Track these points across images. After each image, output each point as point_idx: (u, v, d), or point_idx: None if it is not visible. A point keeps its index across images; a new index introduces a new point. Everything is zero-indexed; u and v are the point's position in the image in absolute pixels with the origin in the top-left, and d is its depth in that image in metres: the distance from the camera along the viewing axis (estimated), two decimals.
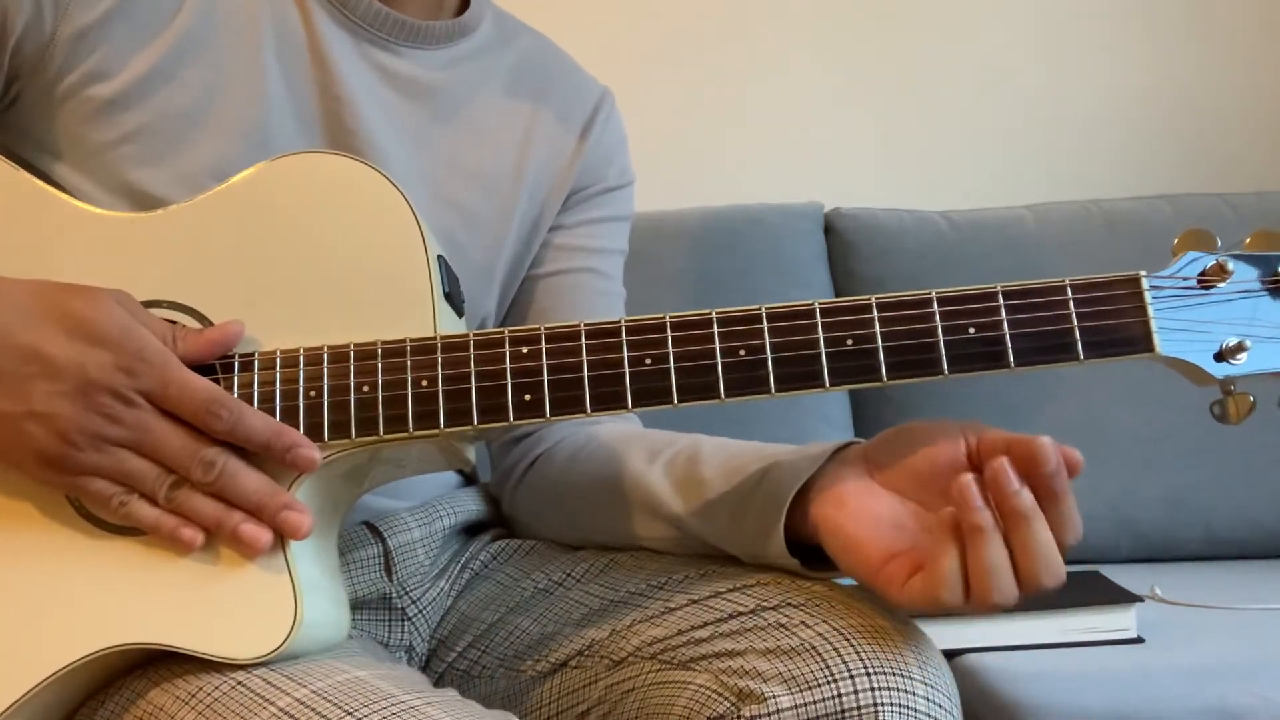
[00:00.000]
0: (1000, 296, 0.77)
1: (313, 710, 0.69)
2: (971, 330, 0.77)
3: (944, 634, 1.21)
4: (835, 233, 1.79)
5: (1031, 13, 1.98)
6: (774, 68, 1.96)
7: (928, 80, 1.97)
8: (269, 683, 0.72)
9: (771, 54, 1.96)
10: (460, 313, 0.86)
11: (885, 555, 0.76)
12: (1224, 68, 1.99)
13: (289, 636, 0.74)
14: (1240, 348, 0.77)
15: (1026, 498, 0.73)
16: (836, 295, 1.74)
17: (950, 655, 1.16)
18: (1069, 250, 1.71)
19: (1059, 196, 1.82)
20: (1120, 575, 1.33)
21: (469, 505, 1.07)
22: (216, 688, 0.73)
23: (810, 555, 0.83)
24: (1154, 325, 0.77)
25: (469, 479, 1.14)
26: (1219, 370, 0.78)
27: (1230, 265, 0.78)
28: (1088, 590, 1.28)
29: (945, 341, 0.77)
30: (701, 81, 1.95)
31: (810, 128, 1.97)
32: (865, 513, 0.78)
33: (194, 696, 0.73)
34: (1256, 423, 0.82)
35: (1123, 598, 1.24)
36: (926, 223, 1.76)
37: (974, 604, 0.73)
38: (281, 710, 0.70)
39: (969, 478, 0.73)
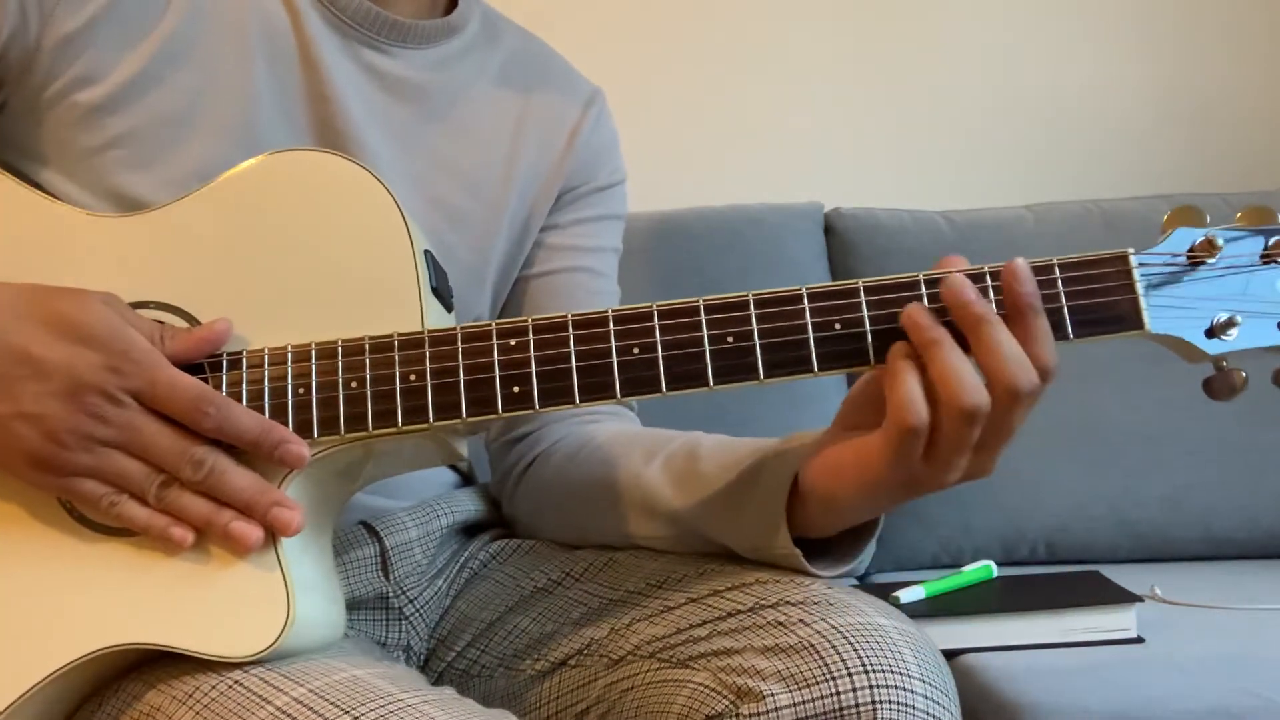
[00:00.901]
0: (988, 278, 0.77)
1: (310, 709, 0.69)
2: None
3: (944, 634, 1.21)
4: (835, 233, 1.79)
5: (1032, 13, 1.98)
6: (774, 68, 1.96)
7: (928, 80, 1.97)
8: (266, 682, 0.72)
9: (771, 54, 1.96)
10: (449, 307, 0.86)
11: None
12: (1224, 68, 1.99)
13: (281, 634, 0.73)
14: (1231, 323, 0.77)
15: (985, 305, 0.74)
16: None
17: (950, 655, 1.16)
18: (1069, 250, 1.69)
19: (1059, 196, 1.82)
20: (1120, 575, 1.33)
21: (466, 505, 1.07)
22: (214, 687, 0.73)
23: (812, 553, 0.84)
24: (1143, 303, 0.77)
25: (466, 479, 1.14)
26: (1210, 346, 0.78)
27: (1220, 240, 0.77)
28: (1088, 590, 1.28)
29: None
30: (701, 82, 1.95)
31: (810, 128, 1.96)
32: (841, 444, 0.80)
33: (191, 696, 0.73)
34: (1256, 423, 0.82)
35: (1123, 598, 1.24)
36: (926, 223, 1.76)
37: (945, 413, 0.73)
38: (279, 709, 0.70)
39: (916, 304, 0.75)
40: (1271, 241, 0.77)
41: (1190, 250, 0.78)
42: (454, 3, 1.05)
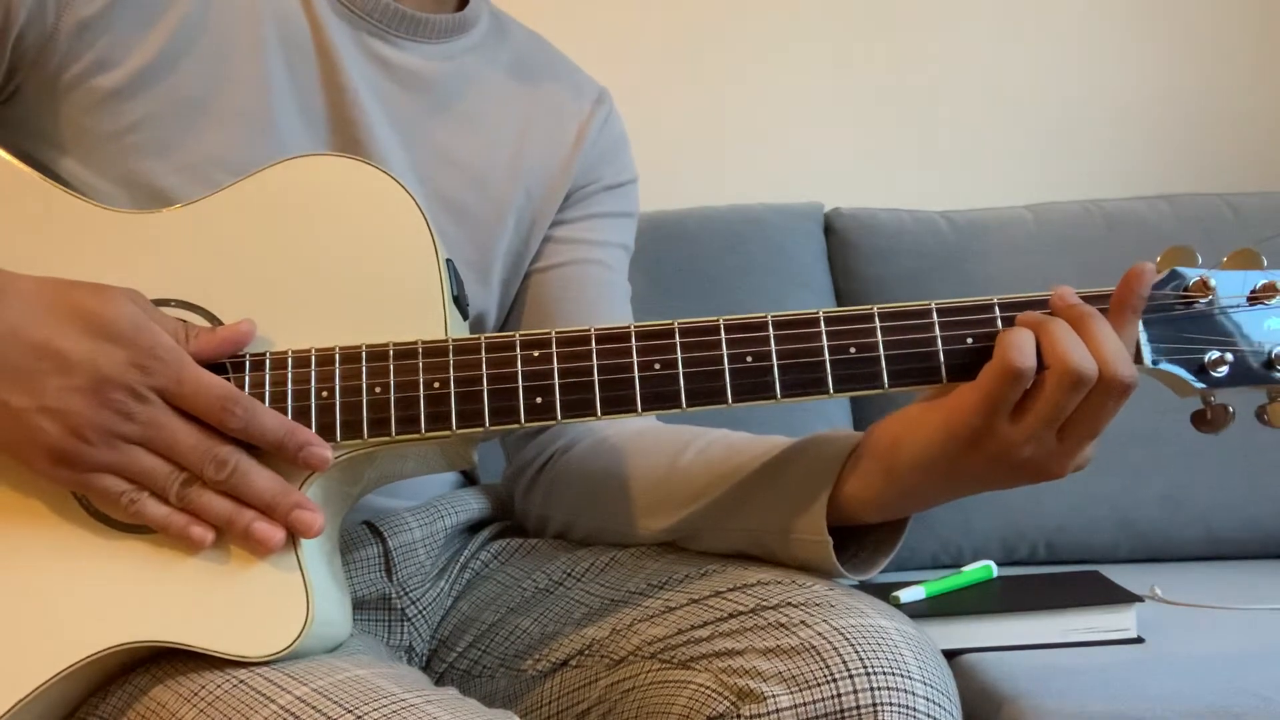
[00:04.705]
0: (997, 309, 0.80)
1: (313, 708, 0.70)
2: (969, 340, 0.79)
3: (944, 634, 1.21)
4: (835, 233, 1.79)
5: (1032, 14, 1.98)
6: (774, 68, 1.96)
7: (928, 80, 1.97)
8: (270, 681, 0.72)
9: (772, 54, 1.96)
10: (466, 316, 0.87)
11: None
12: (1225, 68, 1.99)
13: (300, 635, 0.74)
14: (1221, 361, 0.80)
15: (1088, 306, 0.78)
16: (837, 295, 1.74)
17: (950, 655, 1.16)
18: (1069, 250, 1.71)
19: (1059, 196, 1.82)
20: (1120, 575, 1.33)
21: (470, 504, 1.07)
22: (219, 685, 0.73)
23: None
24: (1141, 338, 0.81)
25: (469, 478, 1.14)
26: (1200, 382, 0.81)
27: (1212, 282, 0.81)
28: (1088, 590, 1.28)
29: (944, 350, 0.79)
30: (701, 81, 1.95)
31: (810, 128, 1.96)
32: (928, 401, 0.82)
33: (196, 694, 0.73)
34: (1256, 424, 0.83)
35: (1123, 598, 1.24)
36: (926, 223, 1.76)
37: (1051, 374, 0.75)
38: (283, 708, 0.70)
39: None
40: (1259, 284, 0.81)
41: (1185, 290, 0.81)
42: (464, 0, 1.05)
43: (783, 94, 1.96)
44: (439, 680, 0.98)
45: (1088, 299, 0.80)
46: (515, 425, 0.79)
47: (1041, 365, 0.76)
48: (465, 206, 1.02)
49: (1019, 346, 0.76)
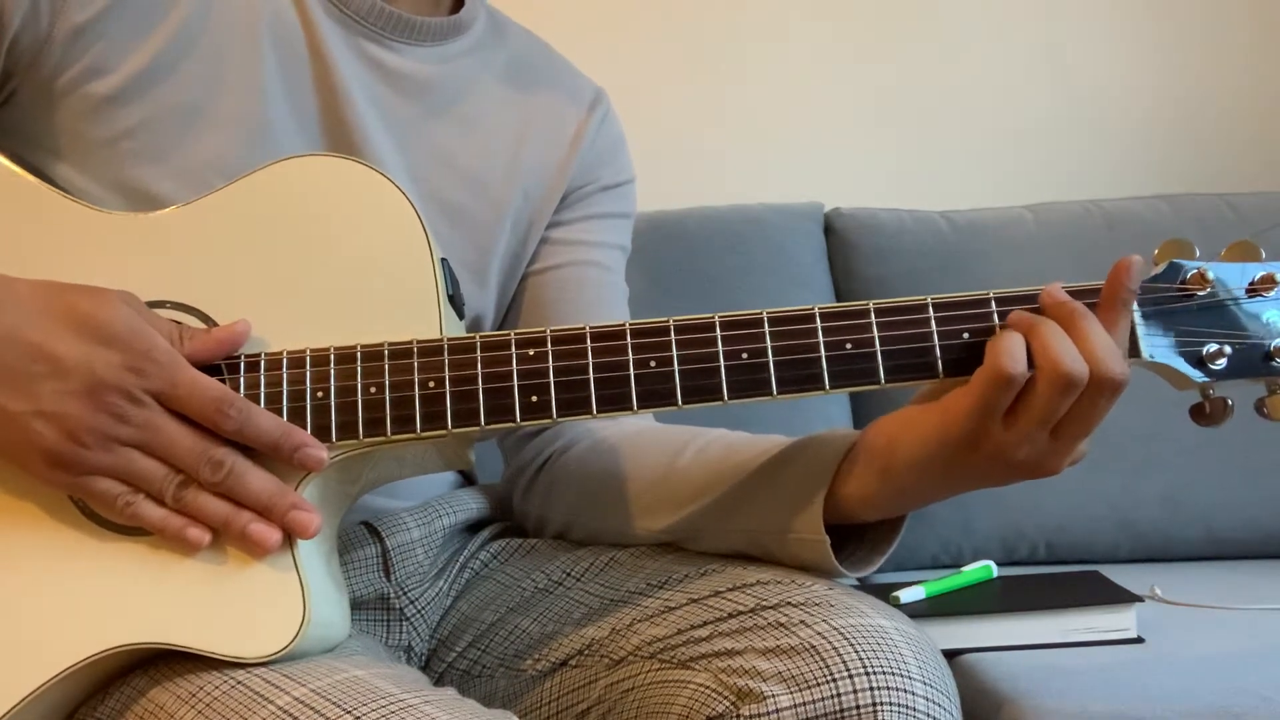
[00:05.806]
0: (993, 303, 0.80)
1: (312, 709, 0.69)
2: (965, 335, 0.79)
3: (944, 634, 1.21)
4: (835, 233, 1.79)
5: (1032, 13, 1.98)
6: (774, 68, 1.96)
7: (928, 80, 1.97)
8: (269, 682, 0.72)
9: (771, 53, 1.96)
10: (461, 315, 0.86)
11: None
12: (1225, 68, 1.99)
13: (297, 635, 0.74)
14: (1220, 353, 0.80)
15: (1078, 304, 0.78)
16: (837, 295, 1.74)
17: (950, 655, 1.16)
18: (1069, 250, 1.71)
19: (1059, 196, 1.82)
20: (1120, 575, 1.33)
21: (468, 504, 1.07)
22: (217, 687, 0.73)
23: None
24: (1139, 331, 0.80)
25: (468, 478, 1.14)
26: (1199, 375, 0.81)
27: (1210, 274, 0.81)
28: (1088, 590, 1.28)
29: (940, 346, 0.79)
30: (701, 81, 1.95)
31: (810, 128, 1.97)
32: (921, 404, 0.82)
33: (194, 695, 0.73)
34: (1256, 423, 0.83)
35: (1123, 598, 1.24)
36: (926, 223, 1.76)
37: (1042, 377, 0.75)
38: (281, 709, 0.70)
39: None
40: (1258, 275, 0.81)
41: (1182, 282, 0.81)
42: (460, 1, 1.05)
43: (783, 94, 1.96)
44: (438, 680, 0.98)
45: (1078, 293, 0.79)
46: (511, 424, 0.79)
47: (1032, 366, 0.76)
48: (462, 208, 1.02)
49: (1009, 352, 0.76)
